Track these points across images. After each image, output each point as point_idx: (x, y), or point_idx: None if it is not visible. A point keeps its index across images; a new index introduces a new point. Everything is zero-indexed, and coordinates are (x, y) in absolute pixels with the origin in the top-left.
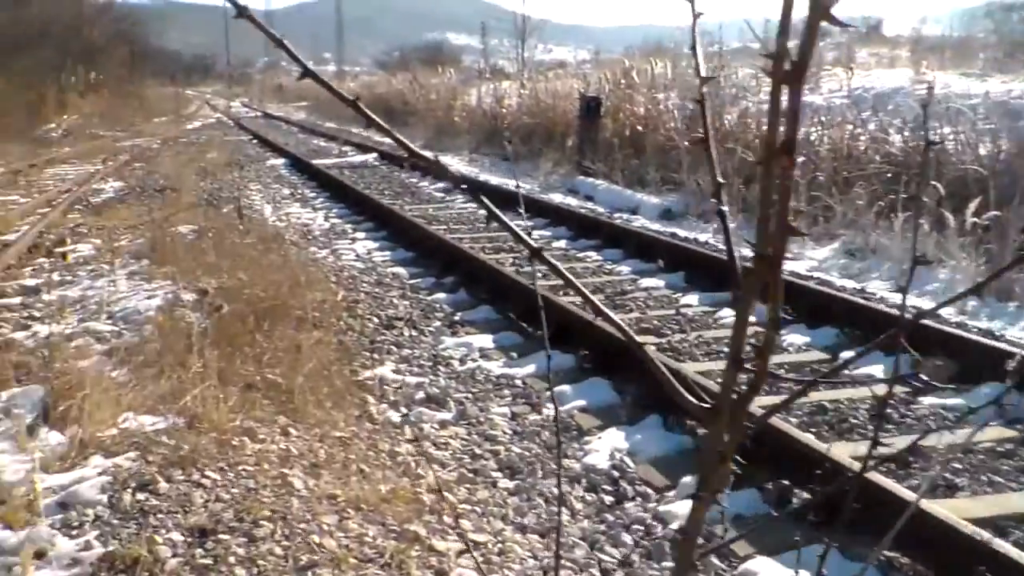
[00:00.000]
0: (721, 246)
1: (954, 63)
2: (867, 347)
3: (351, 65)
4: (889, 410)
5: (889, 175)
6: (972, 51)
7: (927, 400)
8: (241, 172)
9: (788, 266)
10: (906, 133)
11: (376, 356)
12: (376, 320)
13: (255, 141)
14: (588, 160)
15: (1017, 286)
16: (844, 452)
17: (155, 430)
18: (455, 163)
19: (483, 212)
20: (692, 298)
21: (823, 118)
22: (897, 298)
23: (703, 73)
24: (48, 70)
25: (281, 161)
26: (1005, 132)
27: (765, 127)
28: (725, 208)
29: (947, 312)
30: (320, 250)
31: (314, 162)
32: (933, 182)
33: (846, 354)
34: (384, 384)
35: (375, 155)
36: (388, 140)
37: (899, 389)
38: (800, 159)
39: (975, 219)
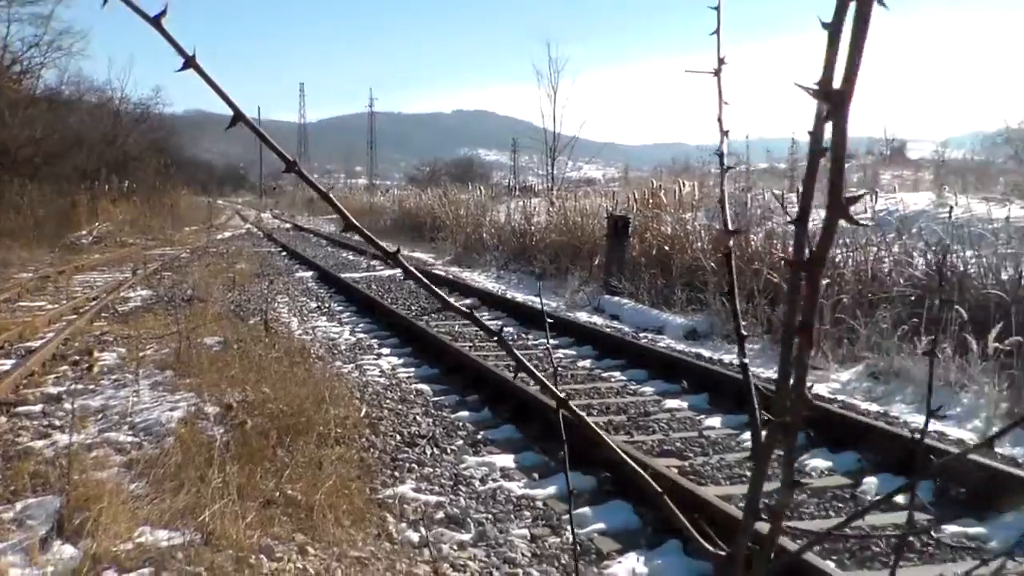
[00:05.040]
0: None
1: (976, 187)
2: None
3: (383, 179)
4: (911, 539)
5: (913, 298)
6: (993, 176)
7: (950, 528)
8: (269, 284)
9: (812, 389)
10: (929, 256)
11: (397, 474)
12: (399, 437)
13: (284, 253)
14: (615, 279)
15: None
16: None
17: (171, 545)
18: (482, 279)
19: (509, 329)
20: (715, 420)
21: (847, 240)
22: (918, 421)
23: (730, 226)
24: (81, 178)
25: (309, 274)
26: None
27: (791, 250)
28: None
29: (969, 436)
30: (345, 365)
31: (342, 275)
32: (956, 307)
33: (869, 480)
34: (404, 503)
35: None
36: (416, 255)
37: (921, 516)
38: (825, 281)
39: (997, 344)
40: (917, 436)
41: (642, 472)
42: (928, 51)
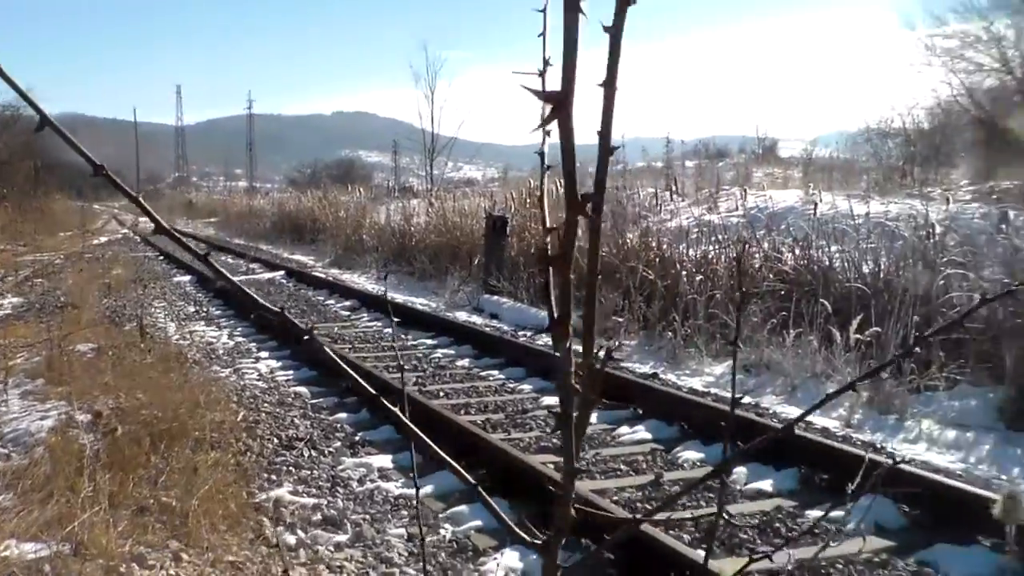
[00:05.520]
0: (622, 363)
1: (842, 184)
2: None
3: (263, 182)
4: (776, 524)
5: (782, 293)
6: (857, 173)
7: (812, 513)
8: (144, 289)
9: (686, 382)
10: (797, 252)
11: (274, 477)
12: (276, 440)
13: (161, 257)
14: (494, 278)
15: (897, 399)
16: (730, 567)
17: (38, 558)
18: (362, 281)
19: (388, 330)
20: (591, 416)
21: (720, 237)
22: (788, 411)
23: (548, 224)
24: None
25: (187, 278)
26: (884, 252)
27: (666, 246)
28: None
29: (833, 425)
30: (223, 369)
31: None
32: (821, 300)
33: (739, 470)
34: (281, 506)
35: (282, 272)
36: (296, 257)
37: (787, 503)
38: (698, 277)
39: (858, 335)
40: (785, 427)
41: (454, 464)
42: (798, 52)
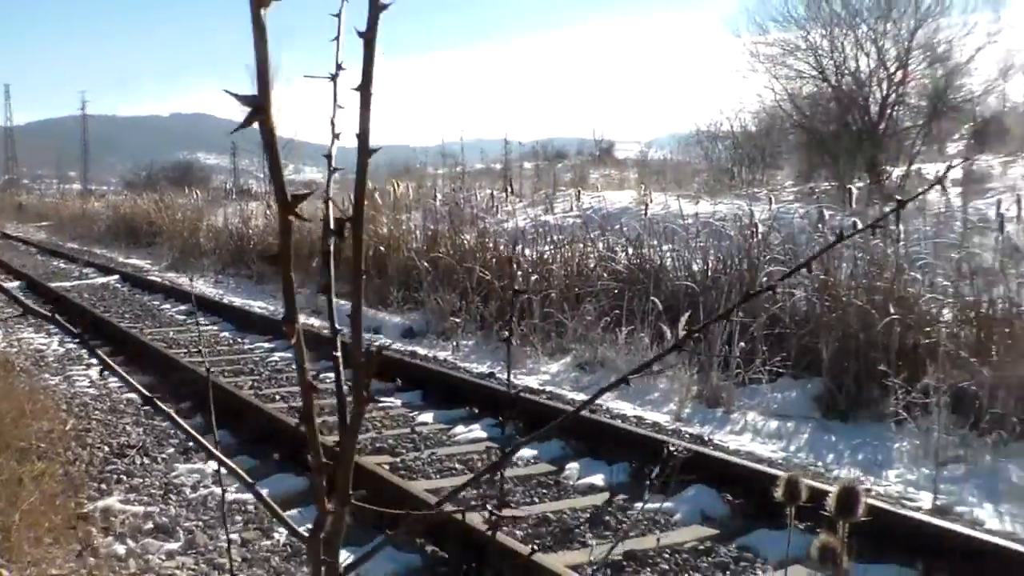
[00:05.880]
0: (459, 363)
1: (676, 185)
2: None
3: (98, 184)
4: (607, 517)
5: (616, 291)
6: (690, 175)
7: (643, 506)
8: None
9: (523, 381)
10: (630, 251)
11: (104, 487)
12: (107, 449)
13: None
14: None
15: (724, 393)
16: (560, 560)
17: None
18: (199, 284)
19: (224, 334)
20: (428, 416)
21: (556, 237)
22: (620, 407)
23: (331, 226)
24: None
25: (15, 284)
26: (712, 250)
27: (503, 246)
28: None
29: (665, 420)
30: (52, 377)
31: (52, 284)
32: (653, 297)
33: (571, 466)
34: (110, 516)
35: (117, 277)
36: (132, 261)
37: (617, 496)
38: (534, 277)
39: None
40: (572, 412)
41: (241, 472)
42: (633, 56)
